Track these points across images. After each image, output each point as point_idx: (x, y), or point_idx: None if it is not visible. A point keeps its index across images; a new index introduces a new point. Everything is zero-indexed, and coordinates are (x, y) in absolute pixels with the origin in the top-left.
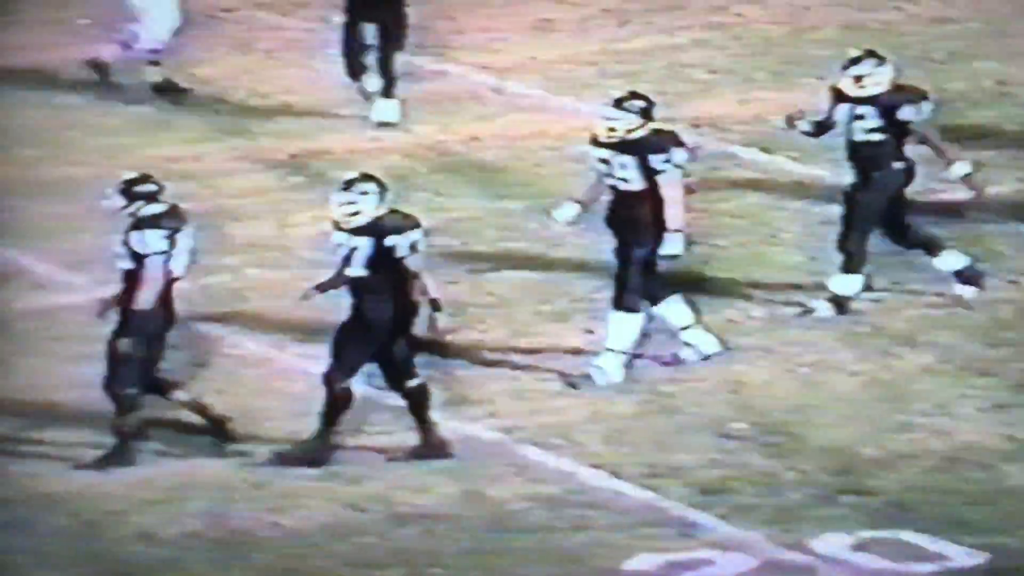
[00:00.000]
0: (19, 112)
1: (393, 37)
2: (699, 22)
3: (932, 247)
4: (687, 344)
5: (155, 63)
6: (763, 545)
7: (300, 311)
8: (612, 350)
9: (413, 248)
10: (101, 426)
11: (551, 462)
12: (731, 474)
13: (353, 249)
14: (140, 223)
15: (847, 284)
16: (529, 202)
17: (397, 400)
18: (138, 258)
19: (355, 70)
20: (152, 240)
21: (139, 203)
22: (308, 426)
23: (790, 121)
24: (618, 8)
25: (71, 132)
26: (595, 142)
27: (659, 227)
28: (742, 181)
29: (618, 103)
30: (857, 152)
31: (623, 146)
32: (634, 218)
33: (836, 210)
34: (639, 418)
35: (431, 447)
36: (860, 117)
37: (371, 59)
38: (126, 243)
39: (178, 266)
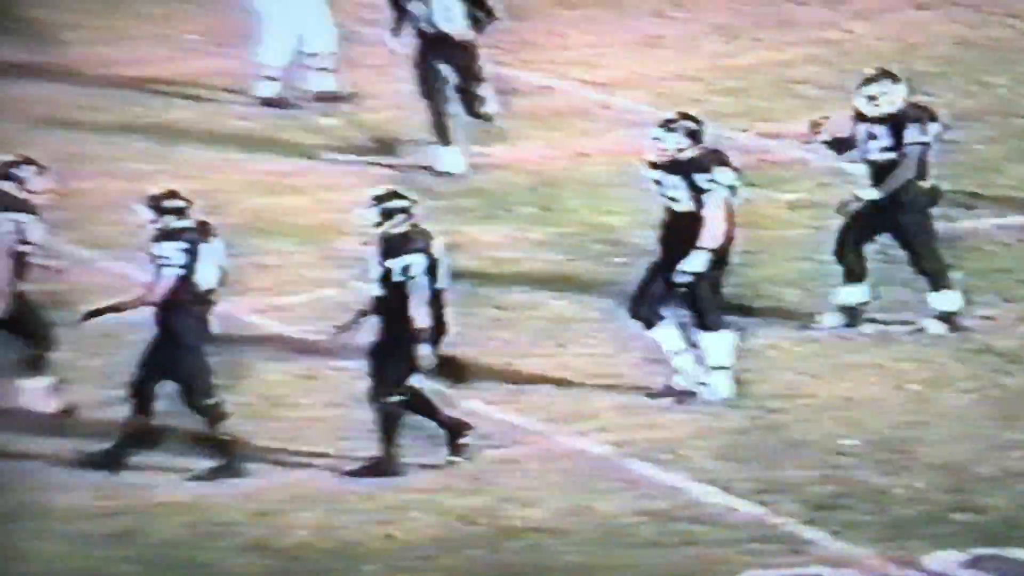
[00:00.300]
0: (128, 127)
1: (469, 77)
2: (807, 38)
3: (938, 281)
4: (705, 383)
5: (272, 78)
6: (874, 562)
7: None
8: (719, 367)
9: (406, 271)
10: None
11: (660, 477)
12: (842, 491)
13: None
14: (163, 236)
15: (948, 300)
16: (634, 218)
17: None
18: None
19: (440, 116)
20: (169, 251)
21: (168, 217)
22: None
23: (813, 128)
24: (726, 24)
25: (180, 147)
26: (650, 164)
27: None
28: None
29: (667, 125)
30: (875, 171)
31: (672, 167)
32: (685, 238)
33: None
34: (748, 434)
35: (379, 466)
36: (873, 136)
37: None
38: (152, 255)
39: (205, 279)
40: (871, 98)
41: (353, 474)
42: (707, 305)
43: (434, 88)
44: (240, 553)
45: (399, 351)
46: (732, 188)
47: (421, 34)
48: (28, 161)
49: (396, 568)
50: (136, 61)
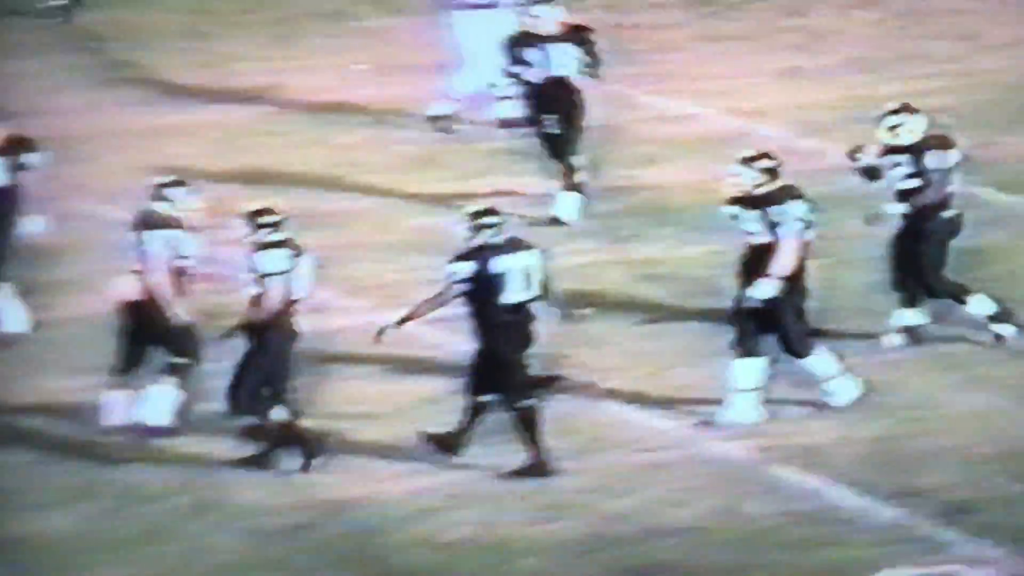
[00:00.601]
0: (303, 150)
1: (573, 128)
2: (941, 70)
3: (960, 295)
4: (828, 393)
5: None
6: (1010, 562)
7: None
8: (828, 378)
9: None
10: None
11: (802, 481)
12: (977, 496)
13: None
14: (264, 247)
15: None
16: None
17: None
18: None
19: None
20: (273, 261)
21: (263, 231)
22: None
23: (851, 154)
24: (863, 57)
25: (349, 169)
26: (728, 200)
27: (789, 278)
28: (985, 220)
29: (746, 162)
30: (899, 198)
31: (749, 201)
32: (762, 269)
33: None
34: (887, 440)
35: (535, 468)
36: (897, 165)
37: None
38: (251, 266)
39: (299, 288)
40: (892, 128)
41: (511, 475)
42: (792, 331)
43: (543, 137)
44: (406, 548)
45: (489, 360)
46: (805, 221)
47: (530, 84)
48: (178, 183)
49: (551, 565)
50: (312, 88)
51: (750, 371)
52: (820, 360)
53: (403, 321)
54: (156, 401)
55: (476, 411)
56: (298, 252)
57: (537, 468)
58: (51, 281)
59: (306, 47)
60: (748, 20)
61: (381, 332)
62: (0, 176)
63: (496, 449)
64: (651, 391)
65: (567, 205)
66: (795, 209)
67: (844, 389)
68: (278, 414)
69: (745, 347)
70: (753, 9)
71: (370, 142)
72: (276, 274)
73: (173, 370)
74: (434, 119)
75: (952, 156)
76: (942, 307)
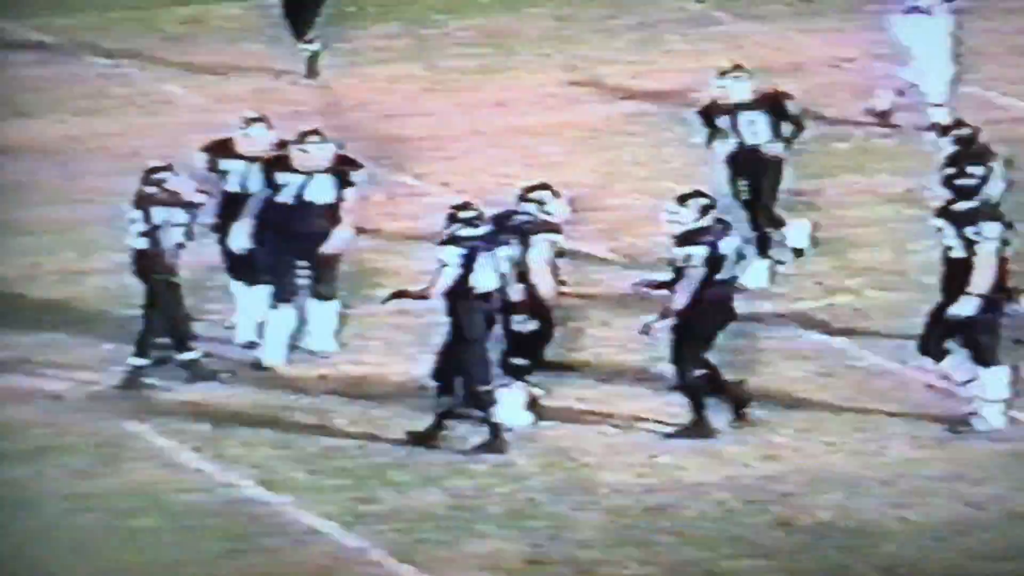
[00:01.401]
0: (662, 149)
1: (765, 195)
2: None
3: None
4: (980, 414)
5: (938, 105)
6: None
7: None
8: (995, 400)
9: (687, 260)
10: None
11: None
12: None
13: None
14: (448, 241)
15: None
16: None
17: None
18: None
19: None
20: (447, 255)
21: (457, 225)
22: None
23: None
24: None
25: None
26: (936, 211)
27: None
28: None
29: (953, 174)
30: None
31: (951, 216)
32: (960, 283)
33: None
34: None
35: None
36: None
37: None
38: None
39: (483, 282)
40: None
41: (672, 436)
42: (984, 343)
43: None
44: (768, 530)
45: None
46: (1004, 240)
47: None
48: (545, 186)
49: (911, 549)
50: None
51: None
52: (997, 378)
53: (391, 298)
54: (511, 403)
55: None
56: (490, 248)
57: (696, 430)
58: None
59: (665, 51)
60: None
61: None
62: (329, 193)
63: (854, 436)
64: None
65: (758, 272)
66: (987, 229)
67: (995, 417)
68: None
69: (935, 351)
70: None
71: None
72: (447, 266)
73: (517, 371)
74: (874, 112)
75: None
76: None
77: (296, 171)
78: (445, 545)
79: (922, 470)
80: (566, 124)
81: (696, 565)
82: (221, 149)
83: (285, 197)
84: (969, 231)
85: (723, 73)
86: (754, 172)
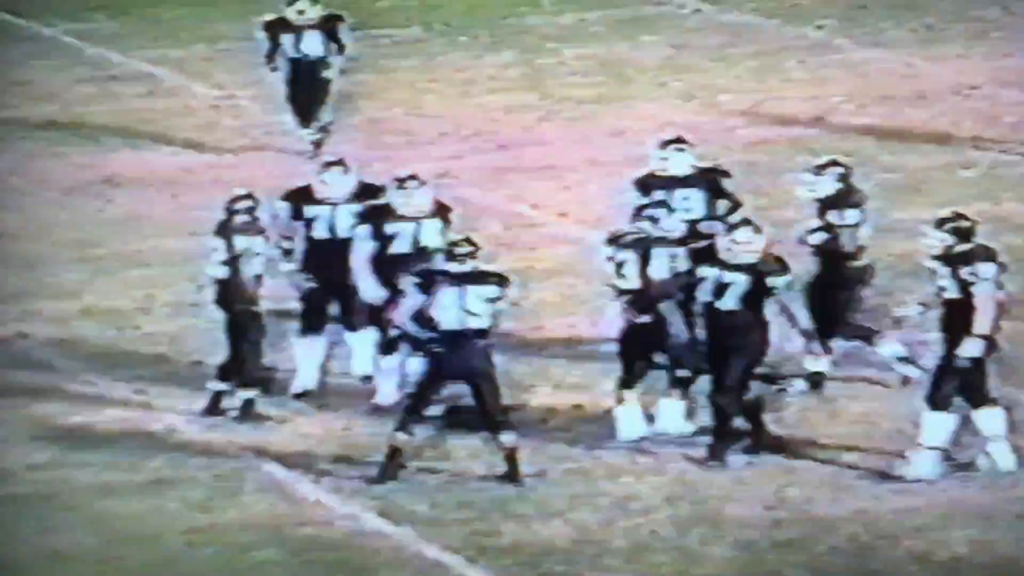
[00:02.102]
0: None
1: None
2: None
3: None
4: (987, 454)
5: None
6: None
7: None
8: (997, 438)
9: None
10: None
11: None
12: None
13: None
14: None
15: None
16: None
17: None
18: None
19: None
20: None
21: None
22: None
23: None
24: None
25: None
26: (932, 256)
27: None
28: None
29: (940, 224)
30: None
31: (944, 259)
32: (956, 324)
33: None
34: None
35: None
36: None
37: None
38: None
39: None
40: None
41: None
42: (980, 383)
43: None
44: (902, 565)
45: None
46: (996, 282)
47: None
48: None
49: None
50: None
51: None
52: (993, 417)
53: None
54: (670, 414)
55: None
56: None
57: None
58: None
59: (784, 79)
60: None
61: None
62: (439, 239)
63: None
64: None
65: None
66: (983, 270)
67: (1002, 455)
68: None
69: (942, 402)
70: None
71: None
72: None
73: (680, 383)
74: None
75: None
76: None
77: (403, 218)
78: None
79: None
80: None
81: None
82: (302, 196)
83: (401, 247)
84: (965, 272)
85: (665, 144)
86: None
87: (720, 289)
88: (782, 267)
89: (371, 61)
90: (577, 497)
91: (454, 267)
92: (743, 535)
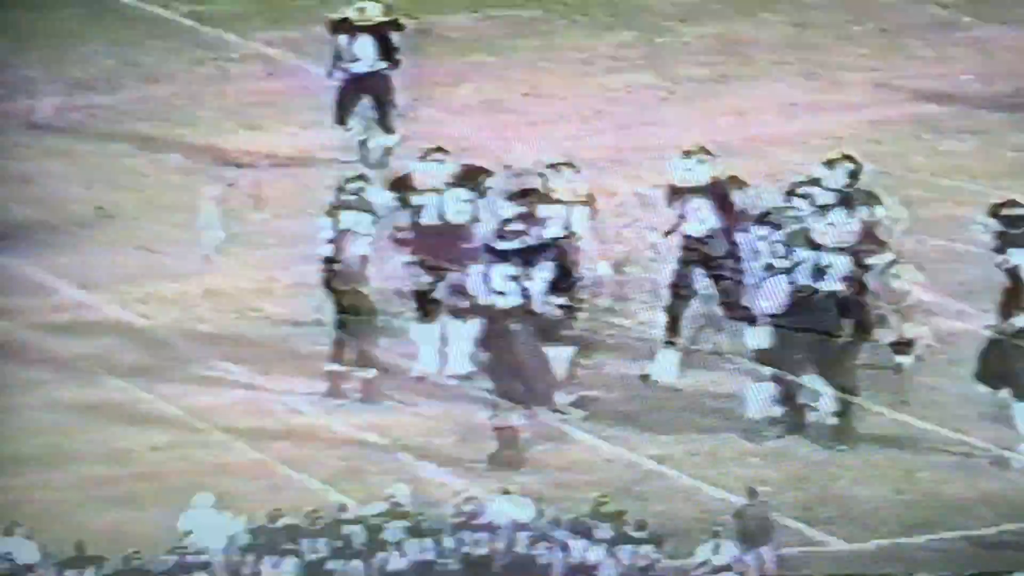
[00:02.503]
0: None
1: None
2: None
3: None
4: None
5: None
6: None
7: None
8: None
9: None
10: None
11: None
12: None
13: None
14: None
15: None
16: None
17: None
18: None
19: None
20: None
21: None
22: None
23: None
24: None
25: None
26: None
27: None
28: None
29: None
30: None
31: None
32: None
33: None
34: None
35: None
36: None
37: None
38: None
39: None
40: None
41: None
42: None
43: None
44: None
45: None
46: None
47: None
48: (815, 181)
49: None
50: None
51: None
52: None
53: None
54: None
55: None
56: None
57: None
58: None
59: (908, 56)
60: None
61: None
62: (585, 224)
63: None
64: None
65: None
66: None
67: None
68: None
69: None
70: None
71: (979, 150)
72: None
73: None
74: None
75: None
76: None
77: (557, 201)
78: None
79: None
80: (808, 133)
81: None
82: (405, 184)
83: (554, 231)
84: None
85: (687, 153)
86: (705, 262)
87: (818, 271)
88: (880, 246)
89: (489, 41)
90: None
91: (501, 244)
92: (875, 518)
